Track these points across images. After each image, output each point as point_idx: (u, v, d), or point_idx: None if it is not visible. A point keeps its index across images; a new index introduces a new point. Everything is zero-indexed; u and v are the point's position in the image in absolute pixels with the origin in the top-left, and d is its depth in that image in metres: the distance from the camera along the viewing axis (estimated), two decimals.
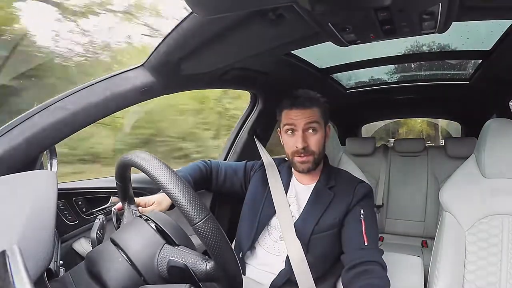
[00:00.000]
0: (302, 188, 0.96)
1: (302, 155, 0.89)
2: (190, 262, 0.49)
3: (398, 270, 0.97)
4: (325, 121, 0.93)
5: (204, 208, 0.45)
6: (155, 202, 0.84)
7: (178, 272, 0.49)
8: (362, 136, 2.80)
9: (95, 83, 0.79)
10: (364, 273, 0.77)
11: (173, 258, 0.50)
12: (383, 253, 0.84)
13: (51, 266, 0.51)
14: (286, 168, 1.01)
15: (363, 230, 0.83)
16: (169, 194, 0.45)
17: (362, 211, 0.86)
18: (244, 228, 0.96)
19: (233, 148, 1.43)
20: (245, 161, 1.10)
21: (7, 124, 0.70)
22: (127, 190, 0.65)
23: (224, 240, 0.46)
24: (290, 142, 0.90)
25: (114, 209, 0.69)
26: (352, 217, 0.87)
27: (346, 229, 0.87)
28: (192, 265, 0.49)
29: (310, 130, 0.89)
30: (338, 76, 1.63)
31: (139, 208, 0.76)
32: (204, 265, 0.48)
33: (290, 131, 0.90)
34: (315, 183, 0.94)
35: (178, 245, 0.53)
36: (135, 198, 0.71)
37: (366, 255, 0.80)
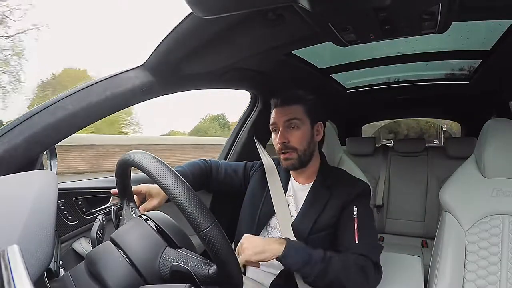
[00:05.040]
0: (300, 188, 0.96)
1: (284, 151, 0.90)
2: (193, 266, 0.49)
3: (398, 270, 0.97)
4: (311, 118, 0.92)
5: (210, 215, 0.45)
6: (153, 198, 0.81)
7: (180, 276, 0.49)
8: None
9: (95, 83, 0.79)
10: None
11: (176, 262, 0.50)
12: (381, 250, 0.83)
13: (51, 266, 0.51)
14: (284, 168, 1.00)
15: (355, 228, 0.82)
16: (174, 200, 0.45)
17: (355, 209, 0.85)
18: (244, 228, 0.96)
19: (233, 148, 1.43)
20: (244, 161, 1.10)
21: (7, 124, 0.70)
22: (126, 188, 0.65)
23: (228, 246, 0.46)
24: (275, 140, 0.93)
25: (114, 206, 0.69)
26: (345, 215, 0.86)
27: (339, 227, 0.86)
28: (194, 269, 0.49)
29: (291, 127, 0.90)
30: (338, 76, 1.63)
31: (140, 207, 0.76)
32: (206, 270, 0.49)
33: (274, 130, 0.93)
34: (312, 183, 0.94)
35: (179, 248, 0.53)
36: (133, 187, 0.70)
37: (355, 252, 0.79)
